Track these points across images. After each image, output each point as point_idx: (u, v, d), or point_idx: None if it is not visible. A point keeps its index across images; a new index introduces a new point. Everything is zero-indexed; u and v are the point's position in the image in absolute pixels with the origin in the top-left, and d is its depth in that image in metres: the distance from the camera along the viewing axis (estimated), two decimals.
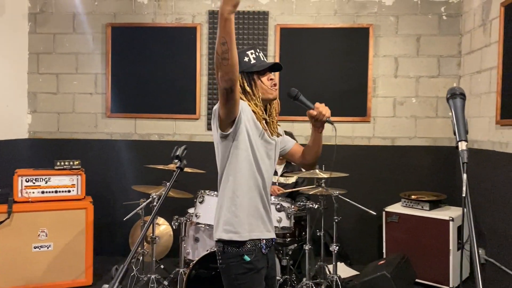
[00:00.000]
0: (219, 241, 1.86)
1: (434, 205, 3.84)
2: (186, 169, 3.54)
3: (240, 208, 1.84)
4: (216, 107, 1.83)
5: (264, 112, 1.93)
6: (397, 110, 4.37)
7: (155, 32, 4.48)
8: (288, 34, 4.41)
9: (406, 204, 3.97)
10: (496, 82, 3.53)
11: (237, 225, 1.83)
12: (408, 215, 3.85)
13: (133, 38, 4.49)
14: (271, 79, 1.94)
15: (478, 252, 1.00)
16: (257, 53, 1.95)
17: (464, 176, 1.09)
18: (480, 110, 3.86)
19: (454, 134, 1.18)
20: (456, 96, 1.25)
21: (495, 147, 3.56)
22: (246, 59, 1.91)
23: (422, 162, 4.32)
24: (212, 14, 4.45)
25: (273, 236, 1.97)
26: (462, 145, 1.14)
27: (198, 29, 4.45)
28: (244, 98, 1.88)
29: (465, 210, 1.08)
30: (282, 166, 3.88)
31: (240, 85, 1.86)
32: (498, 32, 3.50)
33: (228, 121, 1.79)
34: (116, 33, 4.49)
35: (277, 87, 1.97)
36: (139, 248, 3.76)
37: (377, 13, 4.37)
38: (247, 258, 1.81)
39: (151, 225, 3.54)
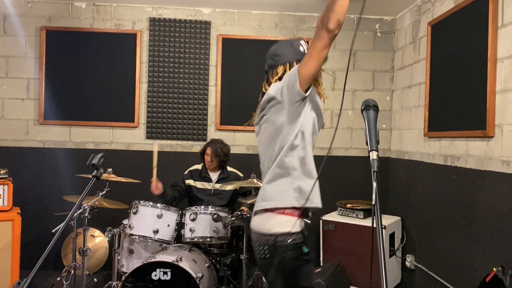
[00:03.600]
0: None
1: (367, 213, 3.97)
2: (121, 179, 3.46)
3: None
4: (293, 71, 1.78)
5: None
6: (334, 121, 4.51)
7: (93, 38, 4.35)
8: (230, 44, 4.44)
9: (342, 213, 4.08)
10: (424, 96, 3.74)
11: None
12: (343, 223, 3.95)
13: (70, 43, 4.33)
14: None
15: (383, 252, 1.04)
16: (306, 43, 1.98)
17: (374, 184, 1.14)
18: (411, 122, 4.07)
19: (366, 144, 1.23)
20: (369, 108, 1.31)
21: (424, 158, 3.76)
22: (301, 49, 1.95)
23: (358, 171, 4.48)
24: (153, 21, 4.39)
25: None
26: (373, 155, 1.19)
27: (138, 36, 4.37)
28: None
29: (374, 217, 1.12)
30: (218, 173, 3.87)
31: None
32: (426, 49, 3.72)
33: (313, 77, 1.76)
34: (51, 37, 4.31)
35: None
36: (71, 261, 3.60)
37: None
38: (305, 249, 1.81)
39: (84, 237, 3.40)
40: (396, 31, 4.51)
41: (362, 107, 1.34)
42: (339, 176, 4.48)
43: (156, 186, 3.50)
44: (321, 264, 4.04)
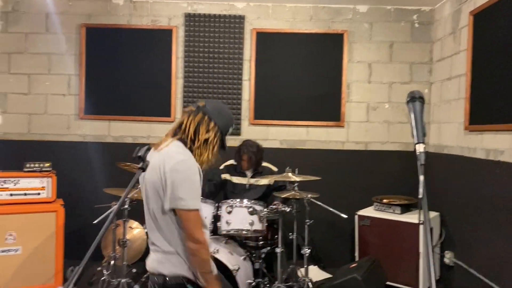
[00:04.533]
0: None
1: (405, 208, 3.91)
2: None
3: None
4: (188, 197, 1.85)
5: None
6: (370, 115, 4.45)
7: (130, 34, 4.44)
8: (264, 38, 4.44)
9: (378, 208, 4.02)
10: (465, 88, 3.62)
11: None
12: (380, 219, 3.90)
13: (108, 40, 4.45)
14: None
15: (431, 247, 1.02)
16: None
17: (421, 177, 1.12)
18: (450, 115, 3.96)
19: (412, 136, 1.20)
20: (415, 99, 1.28)
21: (464, 152, 3.65)
22: (230, 130, 2.07)
23: (394, 166, 4.39)
24: (189, 17, 4.44)
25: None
26: (420, 147, 1.17)
27: (174, 32, 4.43)
28: (199, 147, 1.95)
29: (421, 211, 1.10)
30: (251, 169, 3.89)
31: (213, 136, 1.97)
32: (467, 40, 3.60)
33: None
34: (91, 34, 4.43)
35: None
36: (111, 252, 3.71)
37: (352, 19, 4.44)
38: None
39: (123, 229, 3.50)
40: (435, 22, 4.38)
41: (408, 99, 1.31)
42: (375, 170, 4.41)
43: None
44: (357, 259, 4.00)
